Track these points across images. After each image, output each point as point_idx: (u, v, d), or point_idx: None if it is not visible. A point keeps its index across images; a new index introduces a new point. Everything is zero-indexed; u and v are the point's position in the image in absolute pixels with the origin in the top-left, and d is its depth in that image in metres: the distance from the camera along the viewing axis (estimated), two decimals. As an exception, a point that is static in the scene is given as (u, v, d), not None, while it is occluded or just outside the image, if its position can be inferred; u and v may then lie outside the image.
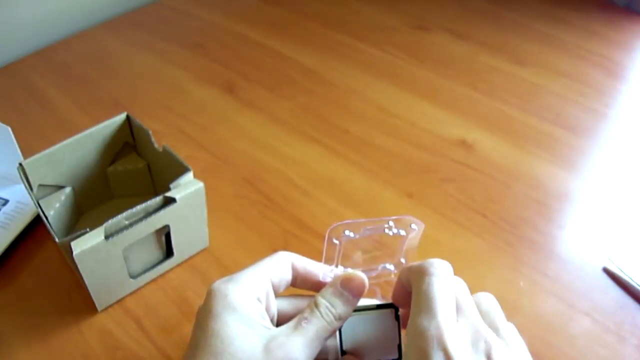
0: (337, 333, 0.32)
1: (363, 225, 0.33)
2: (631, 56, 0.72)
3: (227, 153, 0.57)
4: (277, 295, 0.33)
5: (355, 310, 0.32)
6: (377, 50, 0.73)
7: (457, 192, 0.52)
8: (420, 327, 0.27)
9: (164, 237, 0.43)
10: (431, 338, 0.27)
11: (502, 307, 0.33)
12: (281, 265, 0.33)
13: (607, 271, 0.45)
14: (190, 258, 0.46)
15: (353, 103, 0.63)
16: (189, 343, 0.30)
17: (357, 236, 0.33)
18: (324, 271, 0.34)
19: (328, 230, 0.32)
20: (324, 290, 0.32)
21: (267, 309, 0.31)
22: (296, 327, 0.30)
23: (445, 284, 0.30)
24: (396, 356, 0.32)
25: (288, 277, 0.33)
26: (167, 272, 0.45)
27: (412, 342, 0.27)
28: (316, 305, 0.31)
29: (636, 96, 0.64)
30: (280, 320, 0.33)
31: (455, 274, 0.44)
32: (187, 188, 0.40)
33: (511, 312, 0.41)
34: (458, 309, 0.29)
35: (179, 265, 0.45)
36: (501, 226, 0.48)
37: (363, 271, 0.33)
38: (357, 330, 0.33)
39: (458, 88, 0.66)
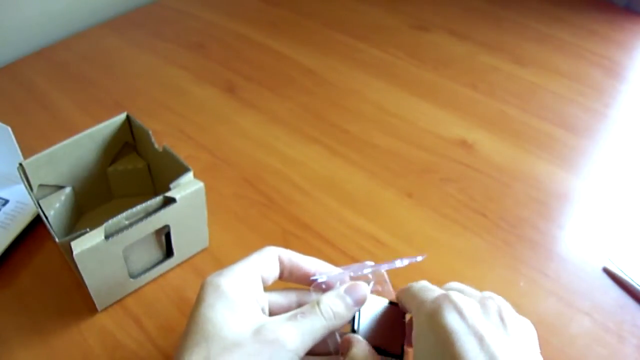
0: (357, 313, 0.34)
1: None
2: (631, 56, 0.72)
3: (227, 153, 0.57)
4: (266, 288, 0.34)
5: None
6: (377, 50, 0.73)
7: (457, 192, 0.52)
8: (427, 301, 0.29)
9: (164, 237, 0.43)
10: (439, 299, 0.29)
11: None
12: (270, 260, 0.34)
13: (607, 271, 0.45)
14: (190, 258, 0.46)
15: (353, 103, 0.63)
16: (182, 334, 0.31)
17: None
18: (318, 270, 0.35)
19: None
20: (327, 293, 0.33)
21: (258, 301, 0.32)
22: (291, 318, 0.31)
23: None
24: (399, 353, 0.33)
25: (276, 270, 0.34)
26: (167, 272, 0.45)
27: (422, 316, 0.29)
28: (318, 303, 0.31)
29: (636, 96, 0.64)
30: (272, 313, 0.33)
31: (455, 273, 0.44)
32: (187, 188, 0.40)
33: (511, 312, 0.41)
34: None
35: (179, 265, 0.45)
36: (501, 226, 0.48)
37: (358, 273, 0.35)
38: (369, 313, 0.34)
39: (458, 88, 0.66)
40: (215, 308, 0.30)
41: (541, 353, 0.39)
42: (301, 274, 0.35)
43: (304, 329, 0.30)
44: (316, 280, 0.34)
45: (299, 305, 0.34)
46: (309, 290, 0.35)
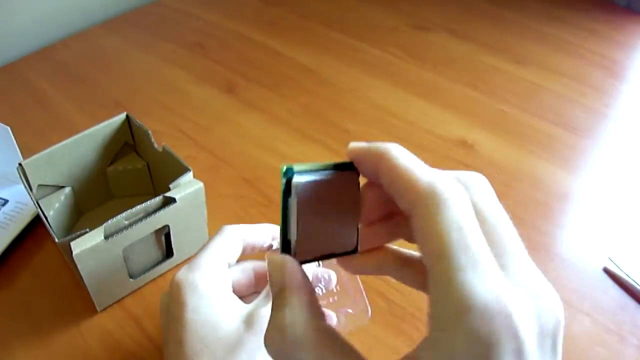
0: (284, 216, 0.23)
1: None
2: (631, 56, 0.72)
3: (227, 153, 0.57)
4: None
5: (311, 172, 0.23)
6: (377, 50, 0.73)
7: (457, 192, 0.52)
8: (473, 294, 0.17)
9: (164, 237, 0.43)
10: (497, 316, 0.17)
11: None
12: (233, 242, 0.34)
13: (607, 271, 0.45)
14: (190, 258, 0.46)
15: (353, 103, 0.63)
16: (166, 339, 0.31)
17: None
18: (274, 236, 0.35)
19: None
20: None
21: (230, 287, 0.32)
22: (267, 298, 0.31)
23: (469, 216, 0.19)
24: (354, 246, 0.23)
25: (239, 251, 0.34)
26: (167, 272, 0.45)
27: (458, 321, 0.17)
28: None
29: (636, 96, 0.64)
30: (236, 292, 0.33)
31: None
32: (187, 188, 0.40)
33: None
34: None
35: (179, 265, 0.45)
36: (501, 226, 0.48)
37: None
38: (306, 203, 0.22)
39: (458, 88, 0.66)
40: (201, 311, 0.30)
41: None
42: (259, 246, 0.35)
43: None
44: (272, 246, 0.35)
45: (258, 276, 0.35)
46: (263, 259, 0.36)
